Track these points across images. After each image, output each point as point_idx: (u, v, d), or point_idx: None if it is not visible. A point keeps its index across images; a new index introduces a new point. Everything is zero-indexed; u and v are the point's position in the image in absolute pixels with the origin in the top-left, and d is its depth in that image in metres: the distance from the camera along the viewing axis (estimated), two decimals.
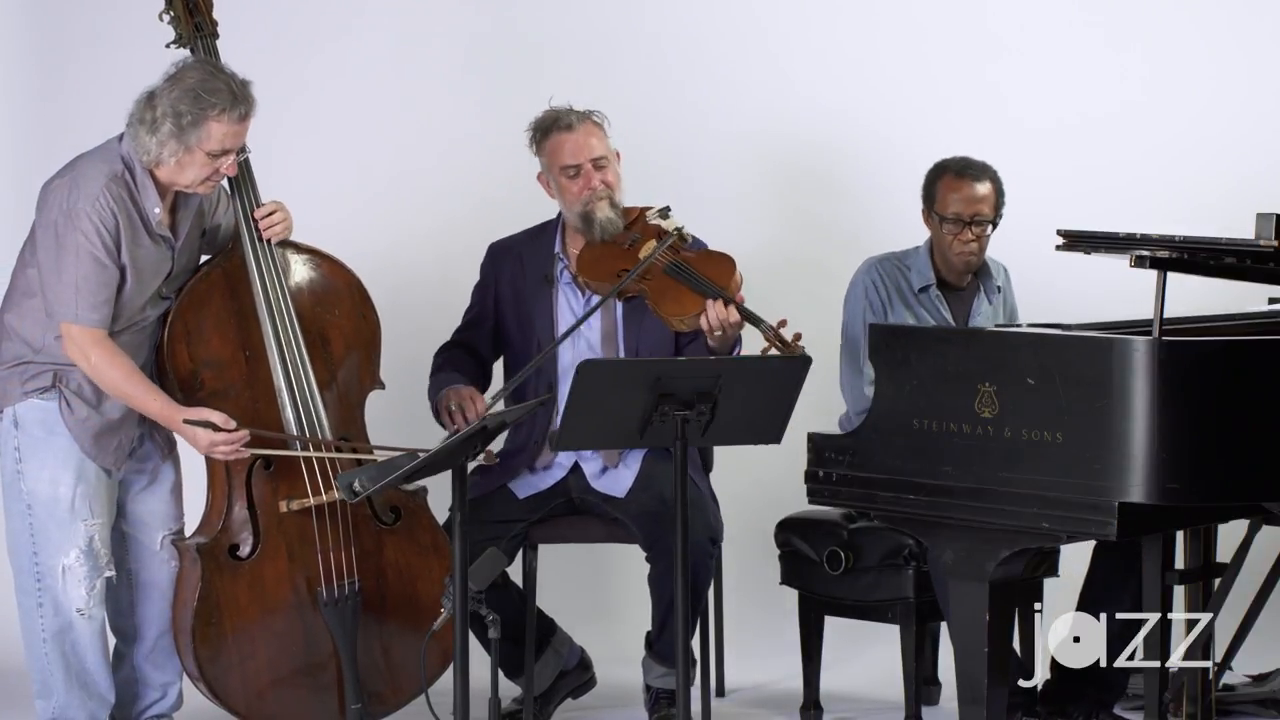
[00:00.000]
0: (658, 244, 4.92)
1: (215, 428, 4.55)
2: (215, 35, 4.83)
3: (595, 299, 5.01)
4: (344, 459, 4.75)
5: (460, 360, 5.14)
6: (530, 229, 5.23)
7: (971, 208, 5.14)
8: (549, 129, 5.09)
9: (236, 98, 4.54)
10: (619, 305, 5.08)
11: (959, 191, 5.15)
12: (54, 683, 4.68)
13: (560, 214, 5.17)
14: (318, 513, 4.73)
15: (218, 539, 4.70)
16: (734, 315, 4.77)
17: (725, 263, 4.92)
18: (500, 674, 4.47)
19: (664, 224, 4.98)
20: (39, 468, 4.62)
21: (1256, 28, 6.12)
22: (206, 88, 4.52)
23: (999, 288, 5.30)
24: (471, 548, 4.17)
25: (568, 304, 5.12)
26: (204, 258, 4.85)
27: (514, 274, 5.17)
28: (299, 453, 4.70)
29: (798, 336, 4.70)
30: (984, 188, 5.16)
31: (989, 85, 6.11)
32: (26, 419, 4.63)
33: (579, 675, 5.29)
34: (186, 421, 4.56)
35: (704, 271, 4.89)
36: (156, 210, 4.58)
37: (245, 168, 4.75)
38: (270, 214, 4.76)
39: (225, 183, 4.73)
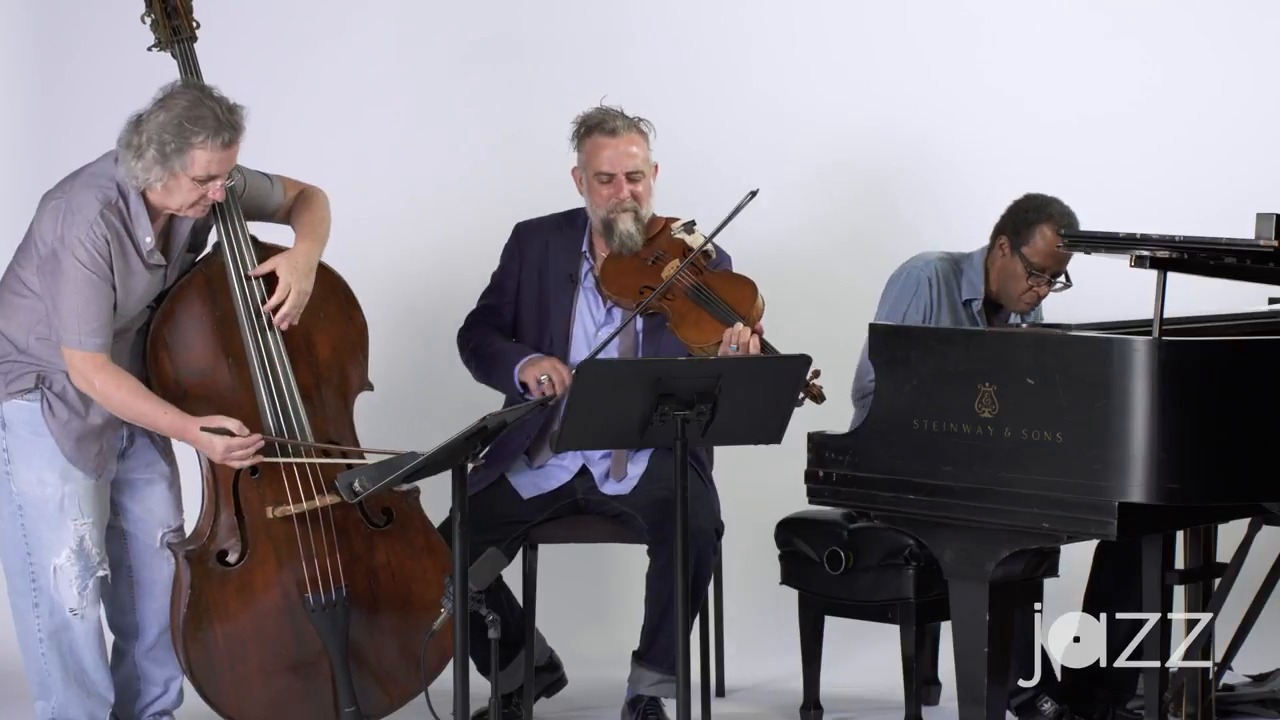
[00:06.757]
0: (681, 262, 4.90)
1: (230, 434, 4.55)
2: (194, 38, 4.79)
3: (616, 310, 5.03)
4: (348, 464, 4.70)
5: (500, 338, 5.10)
6: (559, 215, 5.19)
7: (1063, 265, 5.04)
8: (594, 129, 5.06)
9: (221, 124, 4.48)
10: (639, 320, 5.05)
11: (1058, 250, 4.98)
12: (52, 683, 4.68)
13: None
14: (303, 519, 4.71)
15: (206, 545, 4.69)
16: (755, 345, 4.76)
17: (747, 288, 4.92)
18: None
19: (688, 239, 4.96)
20: (27, 468, 4.62)
21: (1260, 28, 6.12)
22: (191, 115, 4.47)
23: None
24: (473, 547, 4.17)
25: (587, 307, 5.11)
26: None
27: (540, 259, 5.14)
28: (306, 459, 4.68)
29: (816, 374, 4.67)
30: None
31: (991, 85, 6.10)
32: (14, 420, 4.63)
33: (548, 675, 5.27)
34: (204, 430, 4.56)
35: (725, 296, 4.88)
36: (149, 239, 4.56)
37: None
38: (280, 302, 4.68)
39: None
